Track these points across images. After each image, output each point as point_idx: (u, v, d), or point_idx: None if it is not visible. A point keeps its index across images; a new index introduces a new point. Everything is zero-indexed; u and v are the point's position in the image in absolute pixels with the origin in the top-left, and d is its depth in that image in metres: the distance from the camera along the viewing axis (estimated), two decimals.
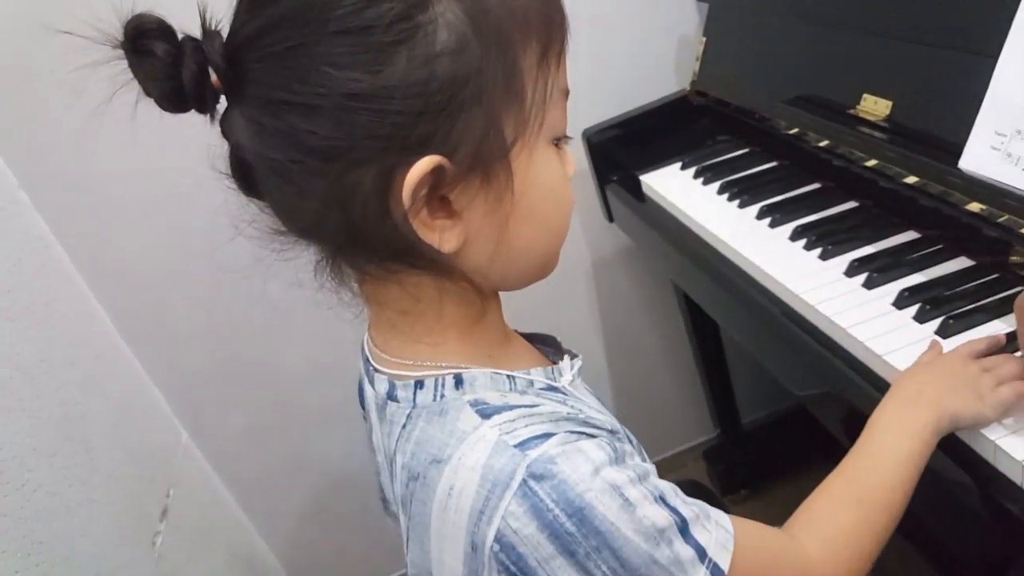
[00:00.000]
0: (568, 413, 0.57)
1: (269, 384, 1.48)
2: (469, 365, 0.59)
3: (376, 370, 0.62)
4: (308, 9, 0.48)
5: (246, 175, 0.55)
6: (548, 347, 0.74)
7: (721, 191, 1.18)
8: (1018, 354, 0.71)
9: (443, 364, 0.58)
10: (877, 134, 0.95)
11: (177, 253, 1.31)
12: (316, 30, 0.48)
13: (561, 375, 0.64)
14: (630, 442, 0.64)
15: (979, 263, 0.87)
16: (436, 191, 0.51)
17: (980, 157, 0.80)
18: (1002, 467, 0.66)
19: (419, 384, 0.58)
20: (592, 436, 0.54)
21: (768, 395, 1.76)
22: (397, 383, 0.59)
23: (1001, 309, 0.80)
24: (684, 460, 1.86)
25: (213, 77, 0.51)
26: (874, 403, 0.77)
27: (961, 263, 0.88)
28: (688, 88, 1.38)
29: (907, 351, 0.78)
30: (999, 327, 0.78)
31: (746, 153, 1.27)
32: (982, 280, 0.85)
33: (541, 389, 0.61)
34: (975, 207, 0.82)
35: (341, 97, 0.48)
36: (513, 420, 0.54)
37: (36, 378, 1.01)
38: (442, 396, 0.57)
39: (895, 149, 0.92)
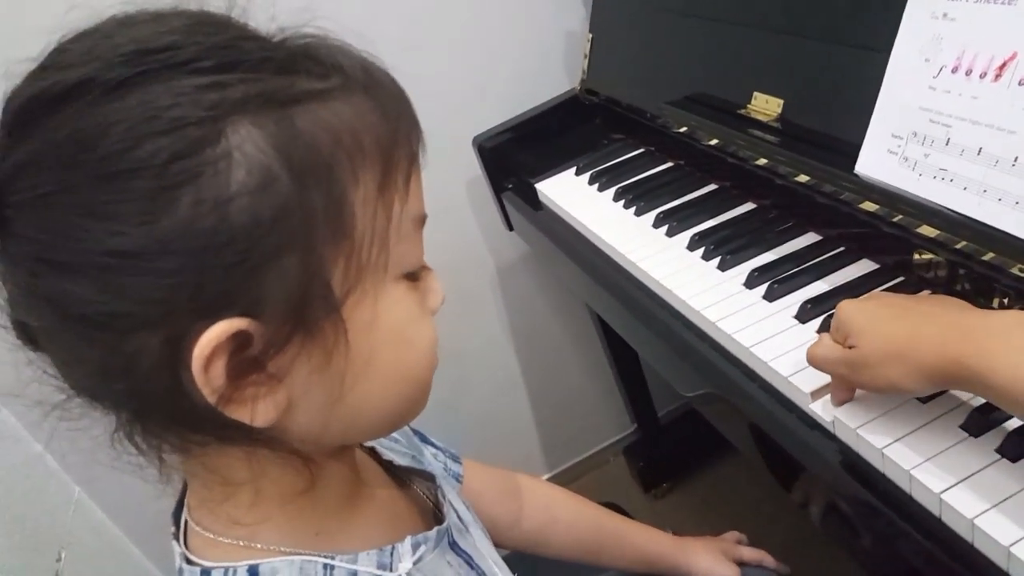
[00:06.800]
0: None
1: None
2: (282, 546, 0.49)
3: (174, 536, 0.52)
4: (67, 146, 0.38)
5: (21, 329, 0.45)
6: (432, 484, 0.66)
7: (617, 197, 1.13)
8: None
9: (255, 544, 0.49)
10: (768, 136, 0.91)
11: None
12: (76, 174, 0.38)
13: (400, 560, 0.53)
14: None
15: (882, 266, 0.84)
16: (241, 355, 0.41)
17: (877, 161, 0.77)
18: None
19: (206, 574, 0.49)
20: None
21: None
22: (185, 567, 0.50)
23: None
24: (605, 457, 1.83)
25: None
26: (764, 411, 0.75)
27: (864, 266, 0.85)
28: (578, 87, 1.32)
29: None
30: None
31: (641, 154, 1.22)
32: (887, 286, 0.81)
33: None
34: (869, 207, 0.78)
35: (103, 255, 0.38)
36: None
37: None
38: None
39: (785, 152, 0.88)
